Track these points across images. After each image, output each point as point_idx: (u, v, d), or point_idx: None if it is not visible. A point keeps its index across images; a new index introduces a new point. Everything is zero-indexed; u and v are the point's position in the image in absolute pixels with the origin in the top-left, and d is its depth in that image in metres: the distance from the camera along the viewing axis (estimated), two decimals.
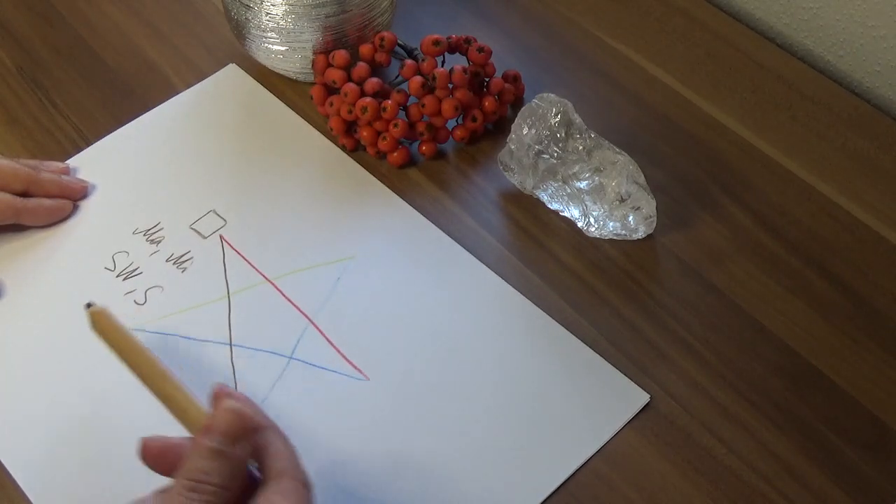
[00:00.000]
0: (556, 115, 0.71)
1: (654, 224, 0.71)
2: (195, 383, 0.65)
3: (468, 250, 0.71)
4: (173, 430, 0.64)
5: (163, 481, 0.61)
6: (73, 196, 0.74)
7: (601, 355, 0.66)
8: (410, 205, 0.74)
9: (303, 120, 0.79)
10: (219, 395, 0.56)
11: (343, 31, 0.77)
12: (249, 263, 0.71)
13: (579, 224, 0.72)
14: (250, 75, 0.82)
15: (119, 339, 0.58)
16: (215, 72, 0.82)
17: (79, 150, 0.77)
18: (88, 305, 0.60)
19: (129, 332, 0.58)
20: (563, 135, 0.71)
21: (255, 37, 0.77)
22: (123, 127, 0.78)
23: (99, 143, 0.78)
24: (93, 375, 0.65)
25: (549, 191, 0.72)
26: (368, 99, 0.74)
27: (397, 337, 0.67)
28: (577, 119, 0.71)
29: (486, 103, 0.76)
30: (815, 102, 0.79)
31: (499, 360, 0.66)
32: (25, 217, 0.71)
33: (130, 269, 0.71)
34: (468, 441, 0.62)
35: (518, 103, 0.79)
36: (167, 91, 0.81)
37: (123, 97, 0.81)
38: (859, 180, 0.75)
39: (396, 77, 0.78)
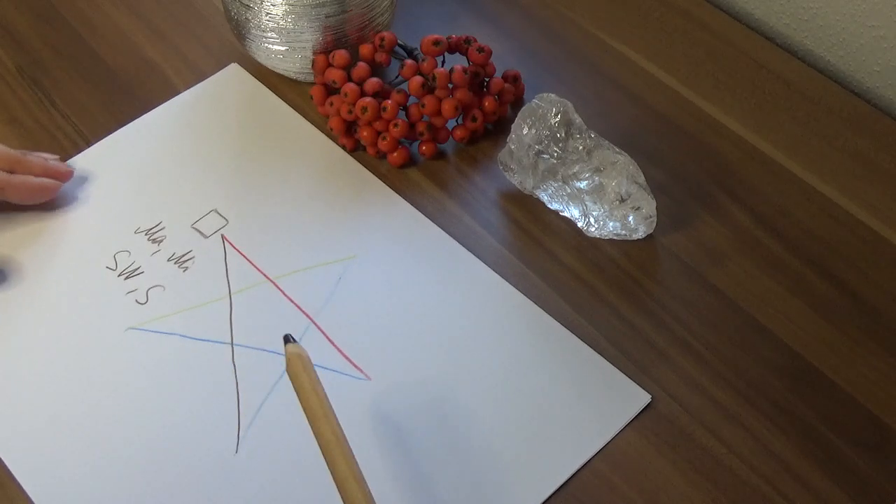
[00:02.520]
0: (556, 115, 0.71)
1: (654, 224, 0.71)
2: (197, 383, 0.65)
3: (468, 250, 0.71)
4: (174, 430, 0.64)
5: (164, 482, 0.61)
6: (59, 178, 0.73)
7: (601, 355, 0.66)
8: (411, 204, 0.74)
9: (304, 120, 0.79)
10: None
11: (343, 31, 0.77)
12: (251, 263, 0.71)
13: (579, 224, 0.72)
14: (250, 75, 0.82)
15: (307, 391, 0.57)
16: (215, 72, 0.82)
17: (79, 150, 0.77)
18: (287, 339, 0.59)
19: (320, 389, 0.58)
20: (563, 135, 0.71)
21: (255, 37, 0.77)
22: (124, 127, 0.79)
23: (99, 143, 0.78)
24: (94, 375, 0.66)
25: (549, 191, 0.72)
26: (368, 99, 0.74)
27: (399, 337, 0.67)
28: (577, 119, 0.71)
29: (486, 103, 0.76)
30: (815, 102, 0.79)
31: (500, 360, 0.66)
32: (10, 193, 0.71)
33: (132, 268, 0.71)
34: (469, 441, 0.63)
35: (518, 103, 0.79)
36: (167, 91, 0.81)
37: (123, 97, 0.81)
38: (859, 180, 0.75)
39: (396, 77, 0.78)
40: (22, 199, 0.72)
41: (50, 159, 0.74)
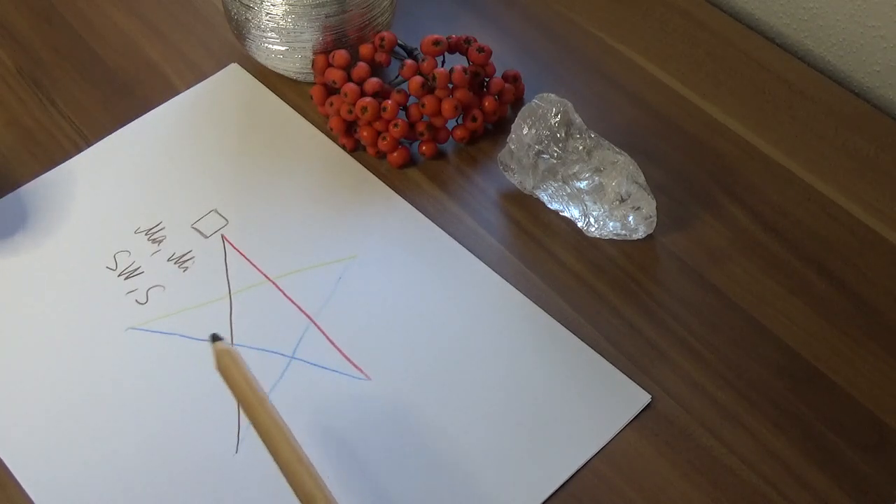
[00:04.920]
0: (556, 115, 0.71)
1: (654, 224, 0.71)
2: (197, 383, 0.65)
3: (468, 250, 0.71)
4: (174, 429, 0.64)
5: (164, 482, 0.62)
6: None
7: (601, 355, 0.66)
8: (411, 205, 0.74)
9: (304, 120, 0.79)
10: None
11: (343, 31, 0.77)
12: (251, 263, 0.71)
13: (579, 224, 0.72)
14: (250, 75, 0.82)
15: (240, 384, 0.57)
16: (216, 72, 0.82)
17: (79, 150, 0.77)
18: (214, 339, 0.59)
19: (252, 380, 0.57)
20: (563, 135, 0.71)
21: (255, 37, 0.77)
22: (124, 127, 0.79)
23: (99, 143, 0.78)
24: (94, 375, 0.66)
25: (549, 191, 0.72)
26: (368, 99, 0.74)
27: (399, 337, 0.67)
28: (577, 119, 0.71)
29: (486, 103, 0.76)
30: (815, 102, 0.79)
31: (500, 360, 0.66)
32: None
33: (132, 268, 0.71)
34: (469, 441, 0.63)
35: (518, 103, 0.79)
36: (167, 91, 0.81)
37: (123, 97, 0.81)
38: (859, 180, 0.75)
39: (396, 77, 0.78)
40: None
41: None
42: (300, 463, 0.54)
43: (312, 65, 0.78)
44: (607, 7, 0.87)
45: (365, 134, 0.75)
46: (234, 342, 0.67)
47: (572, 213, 0.72)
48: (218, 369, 0.59)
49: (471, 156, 0.77)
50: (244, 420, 0.63)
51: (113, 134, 0.78)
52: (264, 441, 0.55)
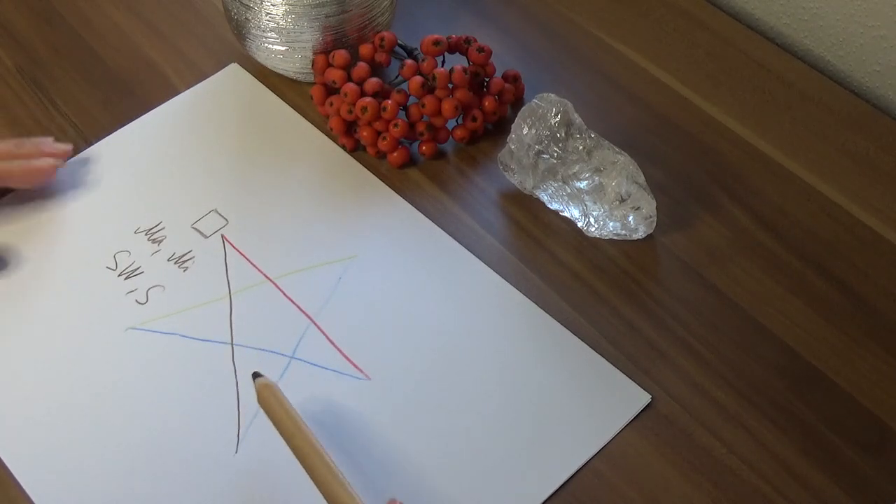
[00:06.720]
0: (556, 115, 0.71)
1: (654, 224, 0.71)
2: (197, 383, 0.65)
3: (468, 250, 0.71)
4: (174, 430, 0.64)
5: (164, 482, 0.62)
6: (57, 156, 0.74)
7: (601, 355, 0.66)
8: (411, 205, 0.74)
9: (304, 120, 0.79)
10: None
11: (343, 31, 0.77)
12: (251, 263, 0.71)
13: (579, 224, 0.72)
14: (250, 75, 0.82)
15: (282, 416, 0.59)
16: (216, 72, 0.82)
17: (79, 150, 0.77)
18: (256, 376, 0.61)
19: (293, 412, 0.59)
20: (563, 135, 0.71)
21: (255, 37, 0.77)
22: (124, 127, 0.79)
23: (99, 143, 0.78)
24: (94, 375, 0.66)
25: (549, 191, 0.72)
26: (368, 99, 0.74)
27: (398, 336, 0.67)
28: (577, 119, 0.71)
29: (486, 103, 0.76)
30: (815, 102, 0.79)
31: (500, 360, 0.66)
32: (11, 180, 0.72)
33: (132, 268, 0.71)
34: (469, 441, 0.63)
35: (518, 103, 0.79)
36: (167, 91, 0.81)
37: (123, 97, 0.81)
38: (859, 180, 0.75)
39: (396, 77, 0.78)
40: (24, 183, 0.73)
41: (45, 142, 0.75)
42: (347, 496, 0.54)
43: (312, 65, 0.78)
44: (607, 7, 0.87)
45: (365, 134, 0.75)
46: (234, 342, 0.67)
47: (572, 213, 0.72)
48: (260, 404, 0.60)
49: (471, 156, 0.77)
50: (244, 420, 0.63)
51: (113, 134, 0.78)
52: (310, 474, 0.56)
